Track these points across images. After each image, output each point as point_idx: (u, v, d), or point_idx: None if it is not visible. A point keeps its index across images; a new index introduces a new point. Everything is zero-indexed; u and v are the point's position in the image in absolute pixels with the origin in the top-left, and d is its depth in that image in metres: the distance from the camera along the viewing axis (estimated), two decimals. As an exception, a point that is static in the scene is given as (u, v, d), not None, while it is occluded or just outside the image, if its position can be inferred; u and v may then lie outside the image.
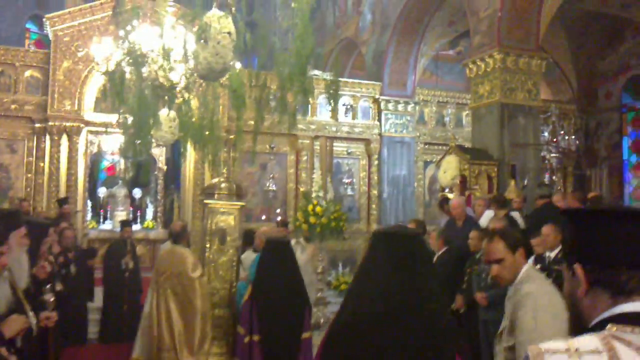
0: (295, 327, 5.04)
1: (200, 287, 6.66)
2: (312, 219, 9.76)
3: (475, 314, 7.08)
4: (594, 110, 15.91)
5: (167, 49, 7.01)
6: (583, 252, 1.51)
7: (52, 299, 4.19)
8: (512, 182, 9.56)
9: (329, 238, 10.30)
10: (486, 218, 8.40)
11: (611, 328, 1.40)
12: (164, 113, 8.19)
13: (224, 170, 10.13)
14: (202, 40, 4.58)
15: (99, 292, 9.61)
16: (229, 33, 4.64)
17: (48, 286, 4.35)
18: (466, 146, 11.87)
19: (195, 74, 7.33)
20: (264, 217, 13.56)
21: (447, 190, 11.02)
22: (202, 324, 6.57)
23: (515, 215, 8.18)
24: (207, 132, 8.97)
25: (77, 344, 8.69)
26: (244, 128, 12.32)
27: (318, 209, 9.86)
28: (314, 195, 10.11)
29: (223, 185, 8.19)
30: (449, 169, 10.62)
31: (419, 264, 2.36)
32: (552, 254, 6.43)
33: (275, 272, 5.16)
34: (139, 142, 8.13)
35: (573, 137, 14.19)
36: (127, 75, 7.84)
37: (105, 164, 15.38)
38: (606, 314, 1.43)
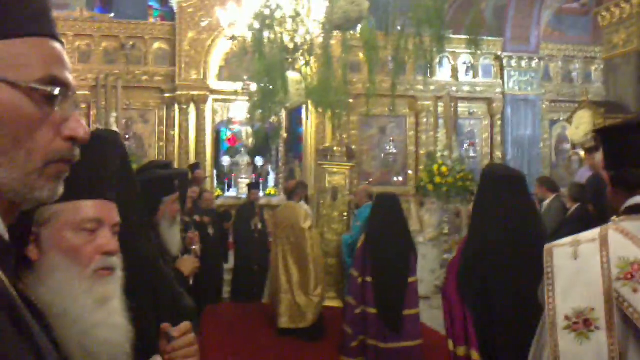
0: (403, 271, 5.67)
1: (310, 236, 7.45)
2: (437, 179, 9.62)
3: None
4: None
5: (296, 9, 7.06)
6: (607, 160, 1.87)
7: (197, 247, 4.41)
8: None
9: (455, 200, 10.14)
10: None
11: (614, 219, 1.74)
12: (291, 76, 8.32)
13: (338, 134, 10.37)
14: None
15: (230, 255, 10.02)
16: (367, -19, 4.60)
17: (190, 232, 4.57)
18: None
19: (324, 29, 7.33)
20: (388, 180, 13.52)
21: (578, 148, 10.52)
22: (315, 270, 7.38)
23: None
24: (333, 96, 9.03)
25: (213, 303, 9.10)
26: (356, 91, 12.35)
27: (444, 168, 9.71)
28: (438, 154, 9.96)
29: (335, 147, 8.78)
30: (582, 124, 10.12)
31: (519, 202, 2.88)
32: None
33: (385, 222, 5.80)
34: (270, 105, 8.28)
35: None
36: (259, 38, 7.97)
37: (227, 134, 15.82)
38: (623, 208, 1.75)
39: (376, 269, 5.64)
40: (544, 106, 14.56)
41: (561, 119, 14.30)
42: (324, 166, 9.04)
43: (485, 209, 2.93)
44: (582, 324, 1.63)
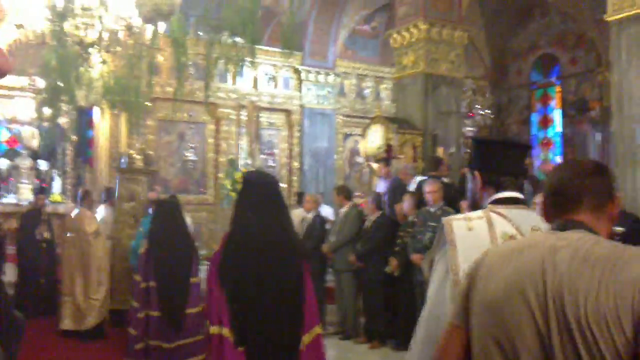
0: (185, 273, 6.01)
1: (95, 241, 7.68)
2: (240, 186, 9.56)
3: (410, 276, 7.19)
4: (505, 87, 16.47)
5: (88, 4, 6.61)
6: (481, 164, 2.44)
7: None
8: (441, 150, 9.75)
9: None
10: (415, 183, 8.52)
11: (490, 206, 2.34)
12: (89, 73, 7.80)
13: (135, 139, 10.09)
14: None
15: (9, 268, 9.04)
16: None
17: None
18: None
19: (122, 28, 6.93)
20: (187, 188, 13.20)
21: (371, 159, 11.10)
22: (97, 274, 7.65)
23: (446, 180, 8.32)
24: (131, 98, 8.68)
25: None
26: (159, 95, 11.94)
27: (246, 176, 9.67)
28: (241, 162, 9.92)
29: (133, 154, 8.84)
30: (375, 138, 10.69)
31: (272, 203, 3.28)
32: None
33: (167, 228, 6.08)
34: (60, 103, 7.66)
35: (488, 111, 14.64)
36: (47, 31, 7.35)
37: (4, 134, 14.37)
38: (491, 200, 2.36)
39: (159, 273, 5.93)
40: (339, 120, 15.22)
41: (354, 133, 15.07)
42: (121, 172, 8.78)
43: (242, 208, 3.33)
44: None
